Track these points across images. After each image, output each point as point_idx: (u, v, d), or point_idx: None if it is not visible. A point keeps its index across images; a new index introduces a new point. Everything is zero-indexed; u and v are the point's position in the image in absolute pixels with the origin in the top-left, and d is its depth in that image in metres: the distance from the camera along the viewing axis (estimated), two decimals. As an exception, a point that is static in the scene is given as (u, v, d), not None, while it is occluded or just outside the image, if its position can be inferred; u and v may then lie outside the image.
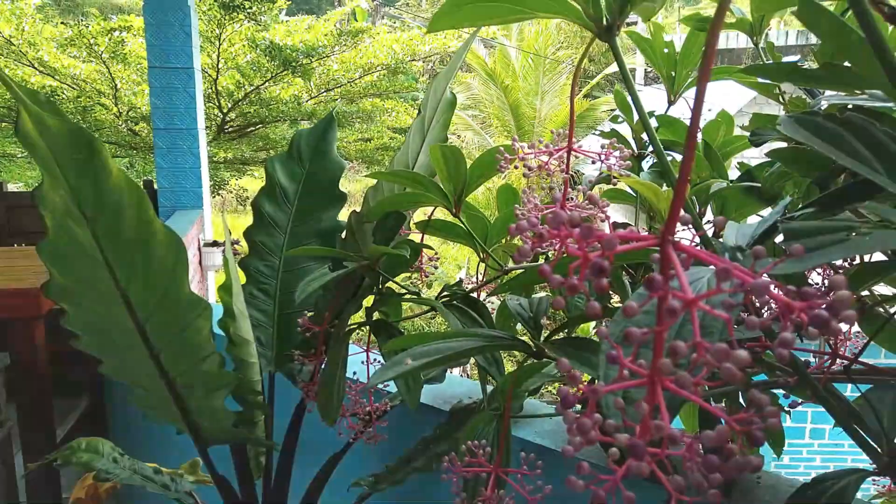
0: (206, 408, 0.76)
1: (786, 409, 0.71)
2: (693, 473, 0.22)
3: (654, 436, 0.22)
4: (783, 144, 0.60)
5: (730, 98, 5.27)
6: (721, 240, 0.50)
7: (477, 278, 0.84)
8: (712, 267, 0.24)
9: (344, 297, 0.83)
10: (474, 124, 10.67)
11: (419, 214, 0.90)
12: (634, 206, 0.80)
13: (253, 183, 8.84)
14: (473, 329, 0.65)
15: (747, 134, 0.68)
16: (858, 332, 0.68)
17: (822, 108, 0.57)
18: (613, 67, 11.57)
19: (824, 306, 0.21)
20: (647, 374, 0.24)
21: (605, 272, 0.21)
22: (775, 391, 0.69)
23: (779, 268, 0.31)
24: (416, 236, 0.84)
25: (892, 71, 0.27)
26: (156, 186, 3.54)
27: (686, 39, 0.77)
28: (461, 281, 0.87)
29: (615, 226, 0.83)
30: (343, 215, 0.96)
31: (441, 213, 0.80)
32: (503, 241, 0.82)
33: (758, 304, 0.46)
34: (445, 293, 0.79)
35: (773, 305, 0.37)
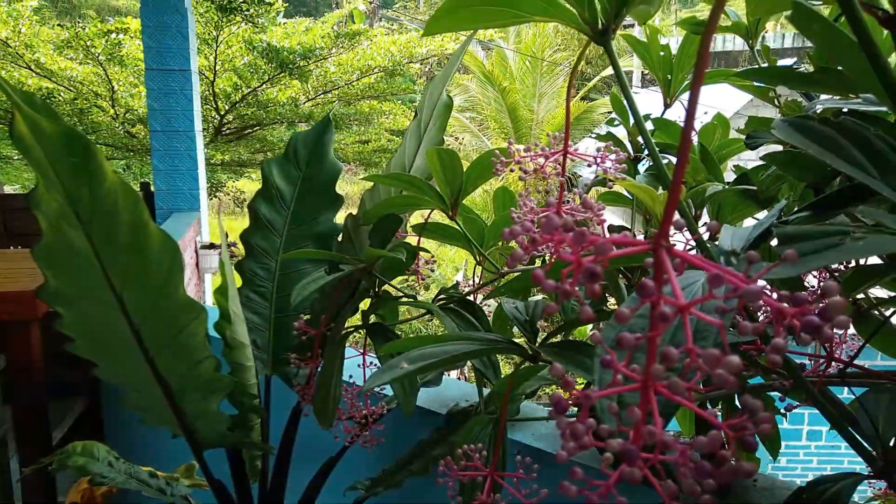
0: (201, 411, 0.76)
1: (782, 411, 0.71)
2: (686, 479, 0.22)
3: (647, 441, 0.22)
4: (779, 147, 0.60)
5: (727, 100, 5.27)
6: (717, 243, 0.50)
7: (473, 281, 0.84)
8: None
9: (340, 300, 0.83)
10: (472, 126, 10.68)
11: (416, 217, 0.90)
12: (631, 208, 0.80)
13: (250, 185, 8.83)
14: (469, 332, 0.65)
15: (743, 137, 0.68)
16: (855, 335, 0.68)
17: (818, 111, 0.57)
18: (611, 70, 11.56)
19: (816, 312, 0.21)
20: (640, 379, 0.24)
21: (597, 277, 0.21)
22: (772, 394, 0.69)
23: (773, 272, 0.31)
24: (412, 239, 0.84)
25: (884, 75, 0.27)
26: (152, 189, 3.54)
27: (682, 43, 0.77)
28: (458, 284, 0.87)
29: (611, 229, 0.83)
30: (340, 218, 0.96)
31: (438, 216, 0.80)
32: (499, 244, 0.82)
33: (753, 308, 0.46)
34: (442, 296, 0.79)
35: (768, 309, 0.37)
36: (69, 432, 1.75)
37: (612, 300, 0.77)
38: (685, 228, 0.33)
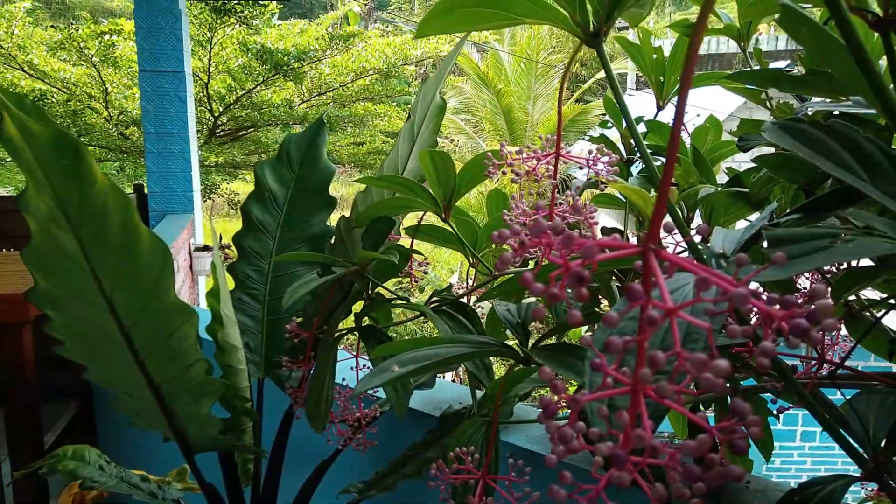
0: (192, 415, 0.75)
1: (774, 413, 0.71)
2: (675, 483, 0.22)
3: (636, 445, 0.22)
4: (771, 150, 0.60)
5: (721, 102, 5.29)
6: (709, 245, 0.50)
7: (467, 283, 0.84)
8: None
9: (333, 302, 0.83)
10: (467, 128, 10.69)
11: (410, 219, 0.89)
12: (624, 210, 0.80)
13: (244, 187, 8.82)
14: (461, 335, 0.65)
15: (736, 139, 0.68)
16: (847, 337, 0.68)
17: (810, 113, 0.58)
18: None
19: (805, 315, 0.21)
20: (629, 383, 0.24)
21: (584, 281, 0.21)
22: (765, 395, 0.69)
23: (762, 275, 0.31)
24: (406, 241, 0.84)
25: (872, 78, 0.27)
26: (146, 191, 3.53)
27: (674, 45, 0.77)
28: (451, 286, 0.86)
29: (605, 231, 0.83)
30: (333, 220, 0.96)
31: (432, 219, 0.79)
32: (493, 246, 0.82)
33: (744, 311, 0.46)
34: (435, 298, 0.79)
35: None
36: (62, 435, 1.74)
37: (605, 302, 0.77)
38: (674, 231, 0.33)
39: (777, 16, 0.50)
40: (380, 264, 0.78)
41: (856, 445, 0.47)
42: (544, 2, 0.49)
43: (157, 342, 0.68)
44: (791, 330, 0.20)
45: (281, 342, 0.93)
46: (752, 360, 0.52)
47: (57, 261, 0.62)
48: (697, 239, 0.49)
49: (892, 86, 0.43)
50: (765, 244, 0.46)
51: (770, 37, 6.73)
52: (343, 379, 0.86)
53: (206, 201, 7.85)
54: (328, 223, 1.00)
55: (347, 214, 0.84)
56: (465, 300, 0.78)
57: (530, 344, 0.58)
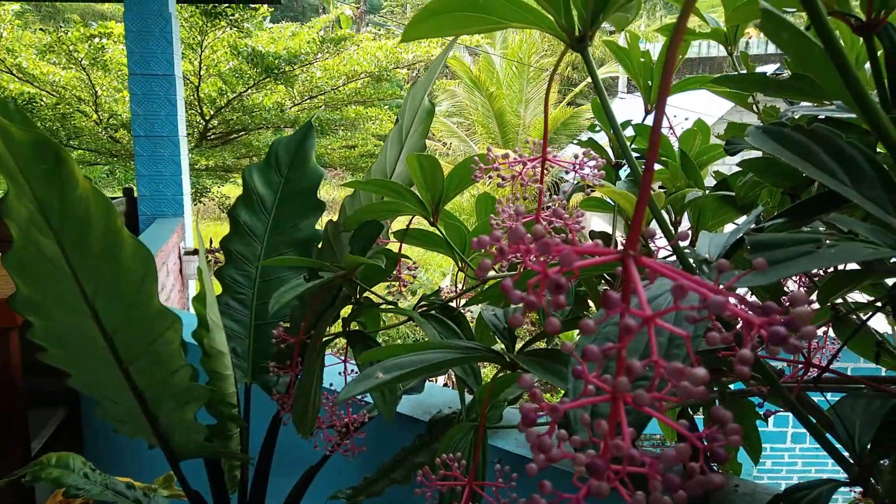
0: (176, 421, 0.75)
1: (762, 416, 0.71)
2: (655, 492, 0.22)
3: (615, 454, 0.22)
4: (759, 153, 0.60)
5: (712, 105, 5.32)
6: (696, 249, 0.50)
7: (456, 287, 0.83)
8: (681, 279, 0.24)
9: (320, 307, 0.83)
10: (459, 132, 10.71)
11: (399, 223, 0.89)
12: (613, 214, 0.80)
13: (235, 190, 8.79)
14: (448, 341, 0.64)
15: (723, 143, 0.69)
16: (836, 339, 0.68)
17: (796, 117, 0.58)
18: (600, 74, 11.65)
19: (784, 322, 0.20)
20: (610, 390, 0.24)
21: (562, 289, 0.21)
22: (754, 398, 0.69)
23: (744, 280, 0.31)
24: (394, 245, 0.84)
25: (851, 83, 0.27)
26: (136, 194, 3.51)
27: (661, 49, 0.77)
28: (440, 290, 0.86)
29: (593, 235, 0.83)
30: (322, 223, 0.95)
31: (420, 222, 0.79)
32: (482, 250, 0.82)
33: (728, 316, 0.46)
34: (423, 303, 0.79)
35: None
36: (49, 441, 1.72)
37: (594, 306, 0.77)
38: (654, 237, 0.33)
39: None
40: (368, 269, 0.78)
41: (841, 449, 0.47)
42: (529, 6, 0.49)
43: (140, 348, 0.67)
44: (770, 338, 0.20)
45: (268, 347, 0.93)
46: (739, 364, 0.52)
47: (38, 266, 0.61)
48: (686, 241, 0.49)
49: (875, 90, 0.43)
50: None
51: (760, 40, 6.78)
52: (331, 384, 0.85)
53: (196, 205, 7.81)
54: (317, 227, 0.99)
55: (334, 219, 0.83)
56: (454, 304, 0.78)
57: (516, 349, 0.58)
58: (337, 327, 0.83)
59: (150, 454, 0.88)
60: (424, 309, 0.77)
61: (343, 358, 0.81)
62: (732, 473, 0.82)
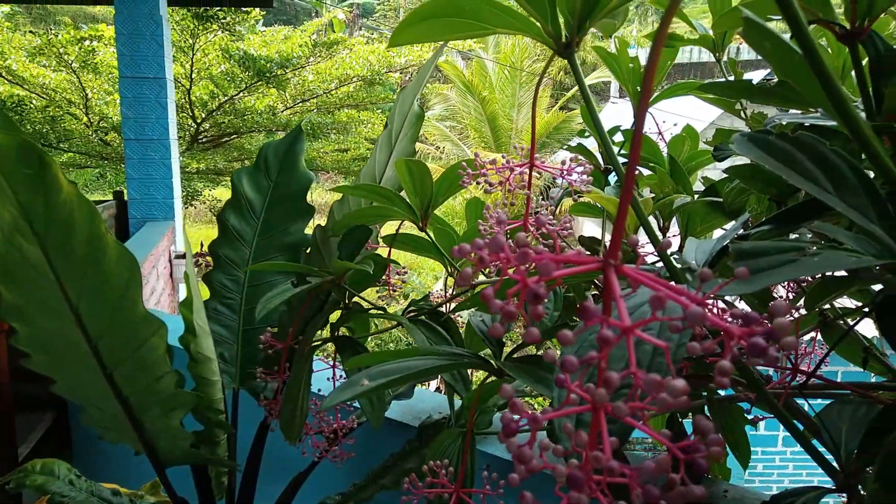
0: (162, 428, 0.74)
1: (750, 420, 0.71)
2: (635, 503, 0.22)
3: (594, 466, 0.21)
4: (746, 160, 0.60)
5: (703, 111, 5.35)
6: (683, 255, 0.50)
7: (445, 292, 0.83)
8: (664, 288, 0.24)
9: (308, 312, 0.82)
10: (452, 136, 10.72)
11: (388, 228, 0.89)
12: (602, 219, 0.80)
13: (227, 194, 8.76)
14: (435, 347, 0.64)
15: (712, 149, 0.69)
16: (824, 345, 0.68)
17: (784, 123, 0.58)
18: (592, 79, 11.71)
19: (764, 333, 0.20)
20: (591, 401, 0.23)
21: (540, 298, 0.20)
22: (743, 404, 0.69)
23: (727, 289, 0.31)
24: (383, 250, 0.83)
25: (831, 91, 0.27)
26: (126, 197, 3.49)
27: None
28: (429, 295, 0.86)
29: (582, 240, 0.83)
30: (312, 228, 0.94)
31: (410, 227, 0.79)
32: (472, 255, 0.81)
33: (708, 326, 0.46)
34: (412, 308, 0.78)
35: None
36: (37, 446, 1.70)
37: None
38: (638, 245, 0.33)
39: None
40: (357, 274, 0.77)
41: (828, 456, 0.47)
42: (516, 12, 0.49)
43: (124, 353, 0.66)
44: (749, 349, 0.19)
45: (257, 353, 0.92)
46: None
47: (22, 271, 0.60)
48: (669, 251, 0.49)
49: (860, 98, 0.43)
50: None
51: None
52: (319, 390, 0.84)
53: (187, 208, 7.77)
54: (306, 231, 0.99)
55: (322, 224, 0.83)
56: (443, 309, 0.77)
57: (503, 355, 0.57)
58: (326, 332, 0.82)
59: (139, 460, 0.87)
60: (413, 314, 0.76)
61: (332, 363, 0.81)
62: (721, 478, 0.82)
